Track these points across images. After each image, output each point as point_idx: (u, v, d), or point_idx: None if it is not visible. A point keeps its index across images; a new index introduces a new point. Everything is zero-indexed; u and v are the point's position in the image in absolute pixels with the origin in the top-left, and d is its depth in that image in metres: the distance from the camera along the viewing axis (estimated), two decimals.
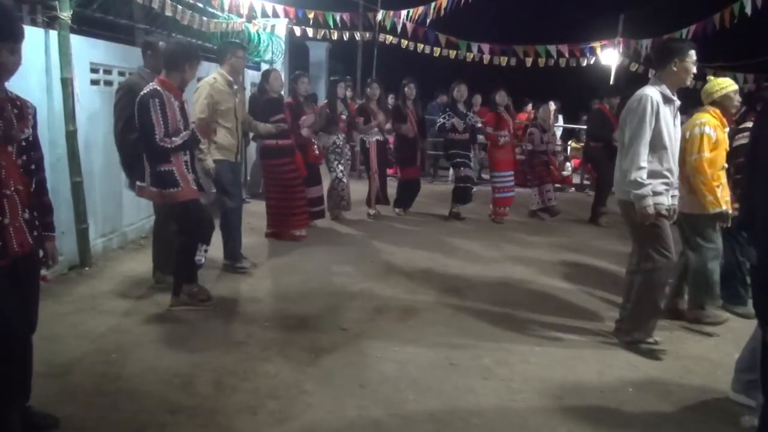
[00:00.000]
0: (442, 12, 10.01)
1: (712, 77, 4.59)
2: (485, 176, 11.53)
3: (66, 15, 4.36)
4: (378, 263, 5.37)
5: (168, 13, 5.90)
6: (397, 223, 7.12)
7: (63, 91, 4.41)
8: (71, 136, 4.47)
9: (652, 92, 3.47)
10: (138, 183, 3.94)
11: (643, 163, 3.42)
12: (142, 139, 3.73)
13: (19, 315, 2.29)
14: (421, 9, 10.24)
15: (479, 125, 8.08)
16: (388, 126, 7.46)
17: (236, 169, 5.06)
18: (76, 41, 4.59)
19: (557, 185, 8.01)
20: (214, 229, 4.10)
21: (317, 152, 6.43)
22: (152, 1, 5.48)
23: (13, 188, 2.22)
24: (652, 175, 3.45)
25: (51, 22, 4.42)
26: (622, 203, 3.63)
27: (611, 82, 12.53)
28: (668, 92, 3.51)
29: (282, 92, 8.02)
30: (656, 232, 3.52)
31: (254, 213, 6.82)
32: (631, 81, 12.97)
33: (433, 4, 10.07)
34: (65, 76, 4.39)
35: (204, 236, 4.00)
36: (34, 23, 4.77)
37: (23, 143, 2.31)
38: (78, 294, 4.17)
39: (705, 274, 4.02)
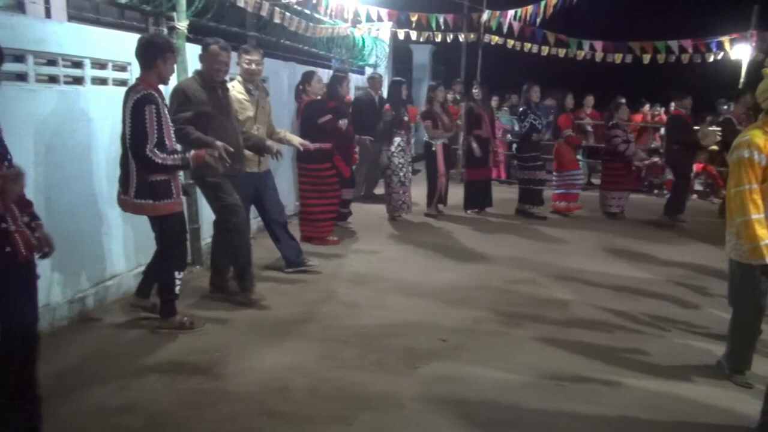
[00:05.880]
0: (551, 10, 9.58)
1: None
2: (595, 181, 10.94)
3: (183, 25, 4.58)
4: (479, 271, 5.18)
5: (276, 20, 6.09)
6: (492, 227, 6.88)
7: None
8: None
9: None
10: (122, 195, 3.54)
11: None
12: (132, 146, 3.36)
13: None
14: (530, 8, 9.86)
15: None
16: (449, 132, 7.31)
17: (256, 181, 4.60)
18: (192, 50, 4.82)
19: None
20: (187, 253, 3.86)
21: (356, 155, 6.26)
22: (261, 9, 5.66)
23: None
24: None
25: (170, 32, 4.66)
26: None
27: (741, 79, 11.42)
28: None
29: (381, 95, 8.08)
30: None
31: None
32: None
33: (542, 3, 9.66)
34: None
35: (182, 259, 3.76)
36: None
37: None
38: (188, 290, 4.31)
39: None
